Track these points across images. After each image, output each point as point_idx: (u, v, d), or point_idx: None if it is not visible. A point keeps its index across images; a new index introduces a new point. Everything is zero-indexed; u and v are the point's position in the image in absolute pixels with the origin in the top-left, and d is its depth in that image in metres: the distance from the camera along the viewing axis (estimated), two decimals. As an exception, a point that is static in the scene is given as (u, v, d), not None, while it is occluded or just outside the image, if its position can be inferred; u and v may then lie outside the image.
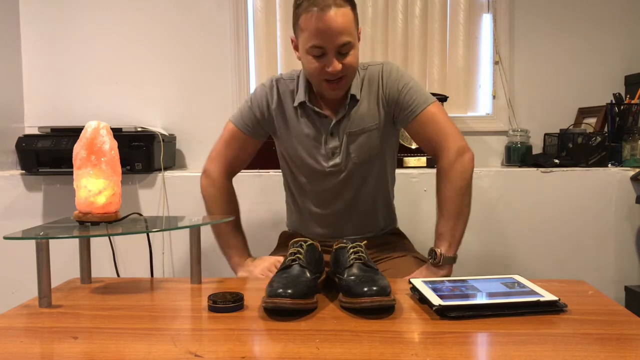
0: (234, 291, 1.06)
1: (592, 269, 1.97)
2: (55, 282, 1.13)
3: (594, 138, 2.02)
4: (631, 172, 1.95)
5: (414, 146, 2.06)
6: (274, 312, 0.97)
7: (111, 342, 0.87)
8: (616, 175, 1.96)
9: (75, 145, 1.13)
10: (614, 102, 2.07)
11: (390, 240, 1.54)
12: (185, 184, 2.02)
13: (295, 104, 1.41)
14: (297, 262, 1.06)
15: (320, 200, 1.47)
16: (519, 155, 2.14)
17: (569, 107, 2.26)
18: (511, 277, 1.12)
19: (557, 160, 2.00)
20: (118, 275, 1.57)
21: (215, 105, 2.29)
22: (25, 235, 1.07)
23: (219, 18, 2.28)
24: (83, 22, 2.30)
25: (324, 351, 0.82)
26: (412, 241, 1.61)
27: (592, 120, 2.16)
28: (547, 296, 0.99)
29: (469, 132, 2.24)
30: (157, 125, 2.28)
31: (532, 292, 1.02)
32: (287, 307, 0.95)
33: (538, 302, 0.98)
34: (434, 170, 1.41)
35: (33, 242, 1.04)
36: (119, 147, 1.17)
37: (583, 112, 2.24)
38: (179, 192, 2.02)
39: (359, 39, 1.36)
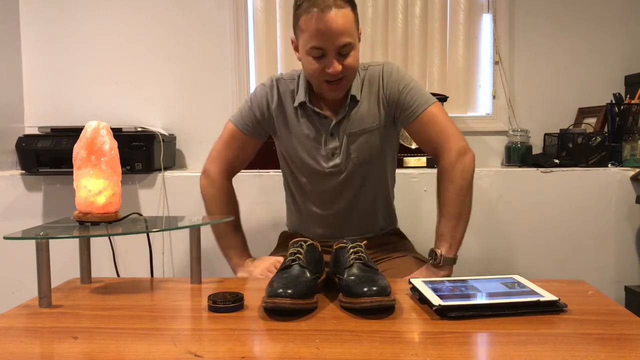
0: (234, 291, 1.06)
1: (592, 269, 1.97)
2: (55, 282, 1.13)
3: (594, 138, 2.02)
4: (631, 172, 1.95)
5: (414, 146, 2.06)
6: (274, 312, 0.97)
7: (111, 342, 0.87)
8: (616, 175, 1.96)
9: (75, 145, 1.13)
10: (614, 102, 2.07)
11: (390, 240, 1.54)
12: (185, 184, 2.02)
13: (296, 104, 1.41)
14: (297, 262, 1.06)
15: (320, 200, 1.47)
16: (519, 155, 2.14)
17: (569, 107, 2.26)
18: (511, 277, 1.12)
19: (557, 160, 2.00)
20: (118, 275, 1.57)
21: (215, 105, 2.29)
22: (25, 235, 1.07)
23: (219, 18, 2.29)
24: (83, 22, 2.30)
25: (324, 351, 0.82)
26: (412, 241, 1.61)
27: (592, 120, 2.16)
28: (547, 296, 0.99)
29: (469, 132, 2.24)
30: (157, 125, 2.28)
31: (532, 292, 1.02)
32: (287, 307, 0.95)
33: (538, 302, 0.98)
34: (434, 170, 1.41)
35: (33, 242, 1.04)
36: (119, 147, 1.17)
37: (583, 112, 2.24)
38: (179, 192, 2.02)
39: (359, 40, 1.35)
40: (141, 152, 1.98)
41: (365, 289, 0.97)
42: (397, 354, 0.81)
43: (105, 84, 2.31)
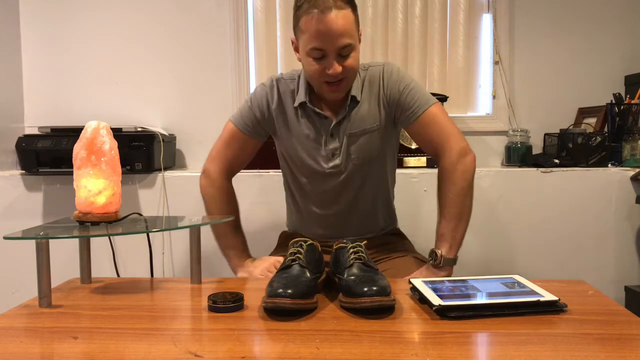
0: (234, 291, 1.06)
1: (592, 269, 1.97)
2: (55, 282, 1.13)
3: (594, 138, 2.02)
4: (631, 172, 1.95)
5: (414, 146, 2.06)
6: (274, 312, 0.97)
7: (111, 342, 0.87)
8: (616, 175, 1.96)
9: (75, 145, 1.13)
10: (614, 102, 2.07)
11: (391, 240, 1.54)
12: (185, 184, 2.02)
13: (296, 104, 1.41)
14: (297, 262, 1.06)
15: (321, 200, 1.47)
16: (519, 155, 2.14)
17: (569, 107, 2.26)
18: (511, 277, 1.12)
19: (557, 160, 2.00)
20: (118, 275, 1.57)
21: (215, 105, 2.29)
22: (25, 235, 1.07)
23: (219, 18, 2.29)
24: (83, 22, 2.30)
25: (324, 351, 0.82)
26: (412, 241, 1.61)
27: (592, 120, 2.16)
28: (547, 296, 0.99)
29: (469, 132, 2.24)
30: (157, 125, 2.28)
31: (532, 292, 1.02)
32: (287, 307, 0.95)
33: (538, 302, 0.98)
34: (434, 170, 1.41)
35: (33, 242, 1.04)
36: (119, 147, 1.17)
37: (583, 112, 2.24)
38: (179, 192, 2.02)
39: (359, 41, 1.35)
40: (141, 152, 1.98)
41: (365, 289, 0.97)
42: (397, 354, 0.81)
43: (105, 84, 2.31)
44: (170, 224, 1.44)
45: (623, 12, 2.24)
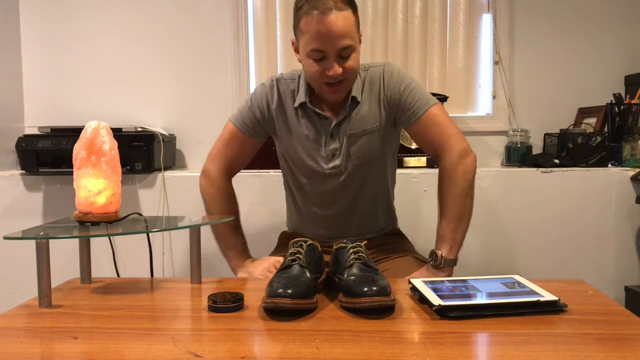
0: (234, 291, 1.06)
1: (592, 269, 1.97)
2: (55, 282, 1.13)
3: (594, 138, 2.02)
4: (631, 172, 1.95)
5: (414, 146, 2.06)
6: (274, 312, 0.97)
7: (111, 342, 0.87)
8: (616, 175, 1.96)
9: (75, 145, 1.13)
10: (614, 102, 2.07)
11: (391, 240, 1.54)
12: (185, 184, 2.02)
13: (296, 104, 1.41)
14: (297, 262, 1.06)
15: (321, 201, 1.47)
16: (519, 155, 2.14)
17: (569, 107, 2.26)
18: (511, 277, 1.12)
19: (557, 160, 2.00)
20: (118, 275, 1.57)
21: (215, 105, 2.29)
22: (25, 235, 1.07)
23: (219, 18, 2.28)
24: (83, 22, 2.30)
25: (324, 351, 0.82)
26: (412, 241, 1.60)
27: (592, 120, 2.16)
28: (547, 296, 0.99)
29: (469, 132, 2.24)
30: (157, 125, 2.28)
31: (532, 292, 1.02)
32: (287, 307, 0.95)
33: (538, 302, 0.98)
34: (434, 170, 1.41)
35: (33, 242, 1.04)
36: (119, 147, 1.17)
37: (583, 112, 2.23)
38: (179, 192, 2.02)
39: (360, 42, 1.35)
40: (141, 152, 1.98)
41: (365, 289, 0.97)
42: (397, 354, 0.81)
43: (105, 84, 2.31)
44: (170, 224, 1.44)
45: (623, 12, 2.24)
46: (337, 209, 1.47)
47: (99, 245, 1.58)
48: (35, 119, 2.30)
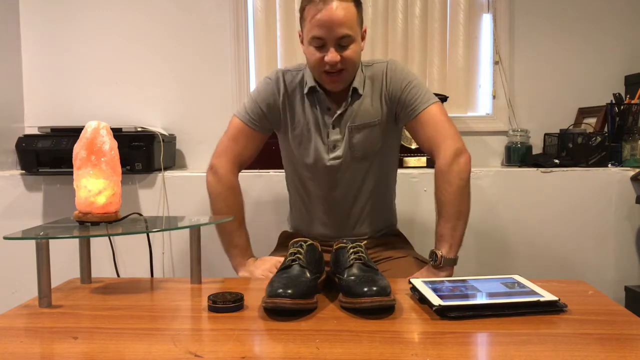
0: (234, 291, 1.06)
1: (592, 269, 1.97)
2: (55, 282, 1.13)
3: (594, 138, 2.02)
4: (631, 172, 1.95)
5: (414, 146, 2.06)
6: (274, 312, 0.97)
7: (111, 342, 0.87)
8: (616, 175, 1.96)
9: (75, 145, 1.13)
10: (614, 102, 2.07)
11: (391, 240, 1.54)
12: (185, 184, 2.02)
13: (306, 90, 1.42)
14: (297, 262, 1.06)
15: (322, 199, 1.47)
16: (519, 155, 2.14)
17: (569, 107, 2.26)
18: (511, 277, 1.12)
19: (557, 160, 2.00)
20: (118, 275, 1.57)
21: (215, 105, 2.29)
22: (25, 235, 1.07)
23: (219, 18, 2.28)
24: (83, 22, 2.30)
25: (324, 351, 0.82)
26: (412, 241, 1.60)
27: (592, 120, 2.16)
28: (547, 296, 0.99)
29: (469, 132, 2.24)
30: (157, 125, 2.28)
31: (532, 292, 1.02)
32: (287, 307, 0.95)
33: (538, 302, 0.98)
34: (434, 170, 1.40)
35: (33, 242, 1.04)
36: (119, 147, 1.17)
37: (583, 112, 2.24)
38: (179, 192, 2.02)
39: (363, 38, 1.38)
40: (141, 152, 1.98)
41: (365, 289, 0.97)
42: (397, 354, 0.81)
43: (105, 84, 2.31)
44: (170, 224, 1.45)
45: (623, 12, 2.24)
46: (338, 208, 1.47)
47: (99, 245, 1.58)
48: (35, 119, 2.30)
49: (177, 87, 2.31)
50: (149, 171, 2.02)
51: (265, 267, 1.38)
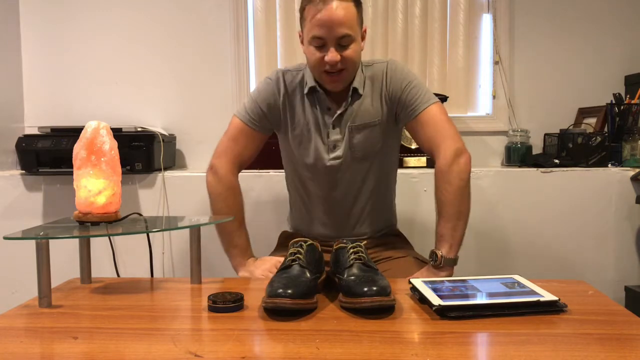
0: (234, 291, 1.06)
1: (592, 269, 1.97)
2: (55, 282, 1.13)
3: (594, 138, 2.02)
4: (631, 172, 1.95)
5: (414, 146, 2.06)
6: (274, 312, 0.97)
7: (111, 342, 0.87)
8: (616, 175, 1.96)
9: (75, 145, 1.13)
10: (614, 102, 2.07)
11: (391, 240, 1.54)
12: (185, 184, 2.02)
13: (306, 90, 1.42)
14: (297, 262, 1.06)
15: (322, 199, 1.47)
16: (519, 155, 2.14)
17: (569, 107, 2.26)
18: (511, 277, 1.12)
19: (557, 160, 2.00)
20: (118, 275, 1.57)
21: (215, 105, 2.29)
22: (25, 235, 1.07)
23: (219, 18, 2.28)
24: (83, 22, 2.30)
25: (324, 351, 0.82)
26: (412, 241, 1.60)
27: (592, 120, 2.16)
28: (547, 296, 0.99)
29: (469, 132, 2.24)
30: (157, 125, 2.28)
31: (532, 292, 1.02)
32: (287, 307, 0.95)
33: (538, 302, 0.98)
34: (434, 170, 1.40)
35: (33, 242, 1.04)
36: (119, 147, 1.17)
37: (583, 112, 2.24)
38: (179, 192, 2.02)
39: (363, 38, 1.38)
40: (141, 152, 1.98)
41: (365, 289, 0.97)
42: (397, 354, 0.81)
43: (105, 84, 2.31)
44: (170, 224, 1.45)
45: (623, 12, 2.24)
46: (338, 206, 1.47)
47: (99, 245, 1.58)
48: (35, 119, 2.30)
49: (177, 87, 2.31)
50: (149, 171, 2.02)
51: (265, 267, 1.38)
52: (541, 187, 1.97)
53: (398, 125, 1.47)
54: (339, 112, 1.41)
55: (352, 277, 1.02)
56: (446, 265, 1.32)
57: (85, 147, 1.12)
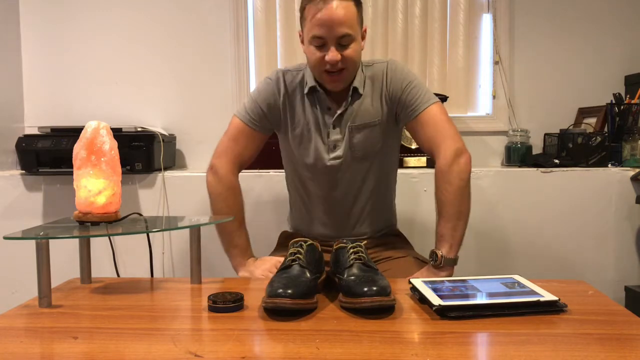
0: (234, 291, 1.06)
1: (592, 269, 1.97)
2: (55, 282, 1.13)
3: (594, 138, 2.02)
4: (631, 172, 1.95)
5: (414, 146, 2.06)
6: (274, 312, 0.97)
7: (111, 342, 0.87)
8: (616, 175, 1.96)
9: (75, 145, 1.13)
10: (614, 102, 2.07)
11: (391, 240, 1.54)
12: (185, 184, 2.02)
13: (306, 90, 1.42)
14: (297, 262, 1.06)
15: (322, 199, 1.47)
16: (519, 155, 2.14)
17: (569, 107, 2.26)
18: (511, 277, 1.12)
19: (557, 160, 2.00)
20: (118, 275, 1.57)
21: (215, 105, 2.29)
22: (25, 235, 1.07)
23: (219, 18, 2.28)
24: (83, 22, 2.30)
25: (324, 351, 0.82)
26: (412, 241, 1.60)
27: (592, 120, 2.16)
28: (547, 296, 0.99)
29: (469, 132, 2.24)
30: (157, 125, 2.28)
31: (532, 292, 1.02)
32: (287, 307, 0.95)
33: (538, 302, 0.98)
34: (434, 170, 1.40)
35: (33, 242, 1.04)
36: (119, 147, 1.17)
37: (583, 112, 2.24)
38: (179, 192, 2.02)
39: (363, 38, 1.38)
40: (141, 152, 1.98)
41: (365, 289, 0.97)
42: (397, 354, 0.81)
43: (105, 84, 2.31)
44: (170, 224, 1.45)
45: (623, 12, 2.24)
46: (338, 206, 1.47)
47: (99, 245, 1.58)
48: (35, 119, 2.30)
49: (177, 87, 2.31)
50: (149, 171, 2.02)
51: (265, 267, 1.38)
52: (541, 187, 1.97)
53: (398, 125, 1.47)
54: (339, 112, 1.41)
55: (352, 277, 1.02)
56: (446, 265, 1.32)
57: (85, 147, 1.12)
